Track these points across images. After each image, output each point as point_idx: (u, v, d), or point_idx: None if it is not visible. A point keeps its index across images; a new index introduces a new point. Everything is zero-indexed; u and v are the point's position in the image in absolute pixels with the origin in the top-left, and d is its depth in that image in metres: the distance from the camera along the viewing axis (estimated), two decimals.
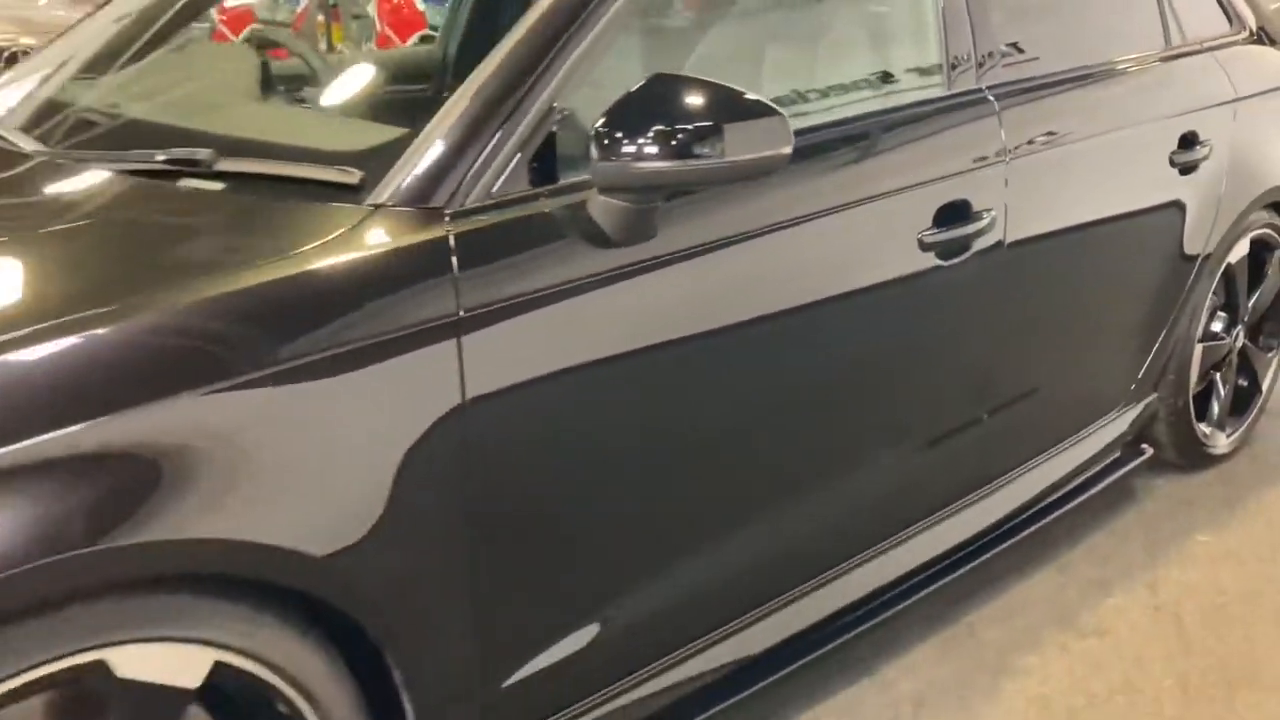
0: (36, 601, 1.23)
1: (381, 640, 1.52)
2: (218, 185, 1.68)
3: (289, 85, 2.67)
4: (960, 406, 2.43)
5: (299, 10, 8.29)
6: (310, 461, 1.41)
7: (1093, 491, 2.88)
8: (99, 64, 2.34)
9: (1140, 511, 3.07)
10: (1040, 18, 2.64)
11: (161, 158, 1.69)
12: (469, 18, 3.19)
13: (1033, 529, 2.70)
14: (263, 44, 2.84)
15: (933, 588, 2.43)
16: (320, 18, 8.45)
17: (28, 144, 1.93)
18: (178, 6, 2.53)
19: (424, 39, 8.14)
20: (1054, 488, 2.76)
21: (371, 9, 9.27)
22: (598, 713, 1.88)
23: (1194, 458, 3.26)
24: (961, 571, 2.50)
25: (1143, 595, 2.70)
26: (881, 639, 2.44)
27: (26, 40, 7.37)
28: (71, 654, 1.27)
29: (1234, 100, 3.02)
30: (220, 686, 1.42)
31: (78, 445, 1.25)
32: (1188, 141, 2.85)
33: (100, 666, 1.30)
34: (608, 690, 1.89)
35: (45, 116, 2.07)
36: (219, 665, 1.39)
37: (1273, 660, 2.48)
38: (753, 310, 1.90)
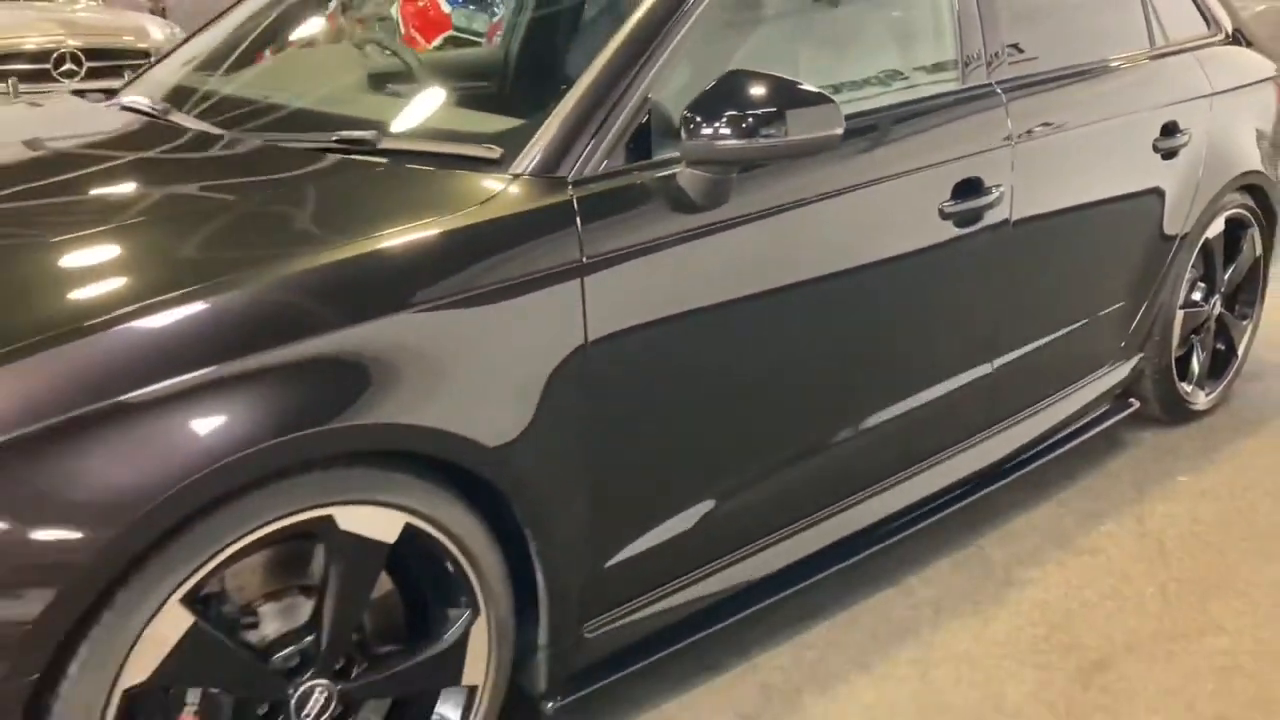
0: (293, 464, 1.64)
1: (524, 518, 1.93)
2: (379, 160, 2.09)
3: (385, 80, 3.07)
4: (972, 356, 2.83)
5: (329, 14, 8.61)
6: (481, 372, 1.82)
7: (1088, 436, 3.30)
8: (236, 58, 2.76)
9: (1130, 457, 3.49)
10: (1041, 21, 3.05)
11: (336, 137, 2.10)
12: (529, 24, 3.60)
13: (1035, 465, 3.11)
14: (362, 45, 3.25)
15: (949, 510, 2.84)
16: (342, 20, 8.76)
17: (206, 127, 2.34)
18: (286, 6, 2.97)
19: (450, 40, 8.46)
20: (1054, 430, 3.17)
21: (394, 10, 9.55)
22: (666, 603, 2.27)
23: (1177, 413, 3.66)
24: (974, 498, 2.91)
25: (1130, 524, 3.11)
26: (904, 555, 2.85)
27: (74, 42, 7.72)
28: (314, 507, 1.68)
29: (1211, 94, 3.41)
30: (402, 548, 1.83)
31: (322, 349, 1.66)
32: (1169, 130, 3.24)
33: (329, 520, 1.71)
34: (681, 580, 2.29)
35: (221, 106, 2.49)
36: (408, 528, 1.80)
37: (1240, 574, 2.88)
38: (805, 261, 2.31)
